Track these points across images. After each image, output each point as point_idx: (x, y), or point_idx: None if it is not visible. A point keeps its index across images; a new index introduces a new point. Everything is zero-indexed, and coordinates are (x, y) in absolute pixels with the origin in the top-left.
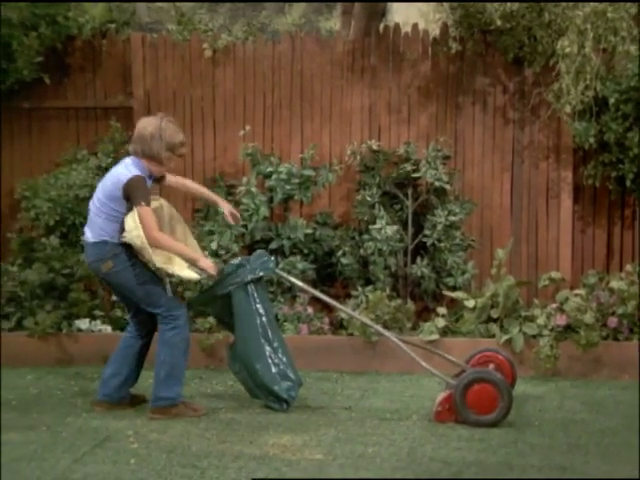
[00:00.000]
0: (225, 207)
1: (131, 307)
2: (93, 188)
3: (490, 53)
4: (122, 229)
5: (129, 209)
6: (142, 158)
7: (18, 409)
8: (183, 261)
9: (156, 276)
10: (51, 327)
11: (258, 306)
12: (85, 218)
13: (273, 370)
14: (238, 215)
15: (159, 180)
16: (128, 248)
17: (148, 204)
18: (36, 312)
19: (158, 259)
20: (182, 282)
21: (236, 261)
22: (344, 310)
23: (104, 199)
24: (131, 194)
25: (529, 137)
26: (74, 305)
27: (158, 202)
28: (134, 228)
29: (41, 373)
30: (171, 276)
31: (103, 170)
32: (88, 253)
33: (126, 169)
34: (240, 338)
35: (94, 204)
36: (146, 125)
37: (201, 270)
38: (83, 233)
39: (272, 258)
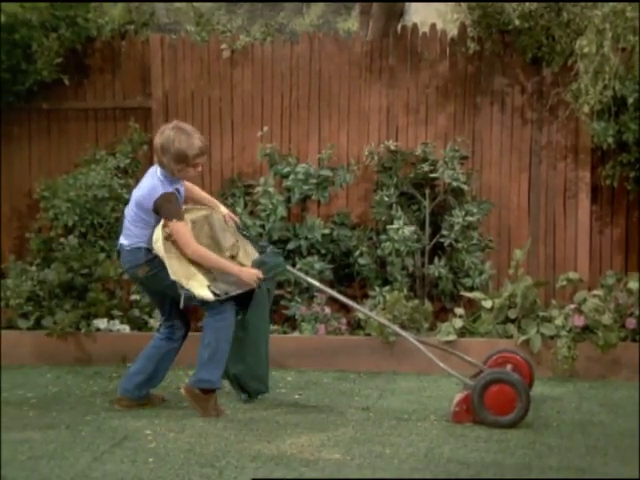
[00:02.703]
0: (223, 211)
1: (165, 311)
2: (111, 188)
3: (508, 53)
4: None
5: (158, 220)
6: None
7: (38, 408)
8: (205, 280)
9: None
10: (70, 326)
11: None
12: (104, 218)
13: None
14: (236, 218)
15: None
16: None
17: (180, 218)
18: (55, 311)
19: (177, 272)
20: None
21: (268, 251)
22: (361, 310)
23: (136, 209)
24: (161, 211)
25: (547, 137)
26: (92, 305)
27: (204, 212)
28: (156, 240)
29: (60, 372)
30: (184, 288)
31: (122, 170)
32: (125, 259)
33: (159, 184)
34: (253, 325)
35: (129, 212)
36: (159, 136)
37: (244, 284)
38: (102, 235)
39: (281, 258)
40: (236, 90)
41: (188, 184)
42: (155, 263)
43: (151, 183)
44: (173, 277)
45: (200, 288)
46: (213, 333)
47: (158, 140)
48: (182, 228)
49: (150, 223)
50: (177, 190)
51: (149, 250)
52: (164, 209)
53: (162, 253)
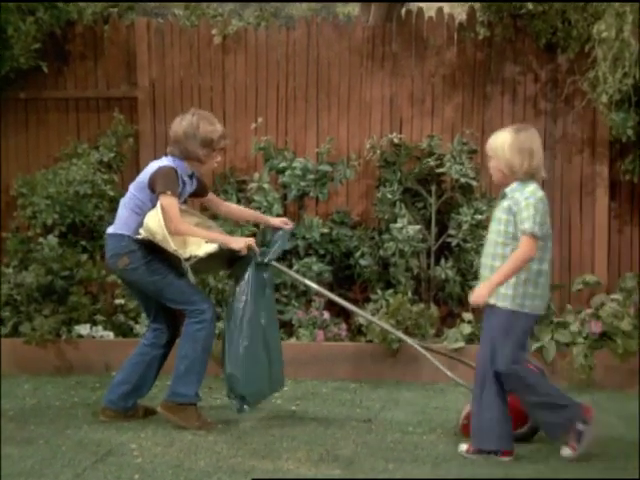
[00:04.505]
0: (275, 221)
1: (150, 311)
2: (94, 184)
3: (520, 39)
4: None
5: (152, 205)
6: (186, 160)
7: (15, 421)
8: (199, 239)
9: (178, 271)
10: (49, 333)
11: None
12: (86, 216)
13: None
14: (288, 221)
15: (200, 194)
16: (146, 246)
17: (174, 194)
18: (33, 317)
19: (175, 244)
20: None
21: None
22: (363, 315)
23: (133, 190)
24: (157, 182)
25: (562, 129)
26: (74, 309)
27: (198, 219)
28: (154, 215)
29: (39, 382)
30: (188, 260)
31: (105, 165)
32: (106, 247)
33: (162, 162)
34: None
35: (124, 197)
36: (179, 123)
37: (236, 250)
38: (84, 234)
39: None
40: (228, 79)
41: (232, 206)
42: (137, 256)
43: (156, 163)
44: (174, 248)
45: (199, 248)
46: (191, 342)
47: (179, 128)
48: (173, 203)
49: (143, 206)
50: (183, 180)
51: (134, 240)
52: (160, 181)
53: (160, 233)
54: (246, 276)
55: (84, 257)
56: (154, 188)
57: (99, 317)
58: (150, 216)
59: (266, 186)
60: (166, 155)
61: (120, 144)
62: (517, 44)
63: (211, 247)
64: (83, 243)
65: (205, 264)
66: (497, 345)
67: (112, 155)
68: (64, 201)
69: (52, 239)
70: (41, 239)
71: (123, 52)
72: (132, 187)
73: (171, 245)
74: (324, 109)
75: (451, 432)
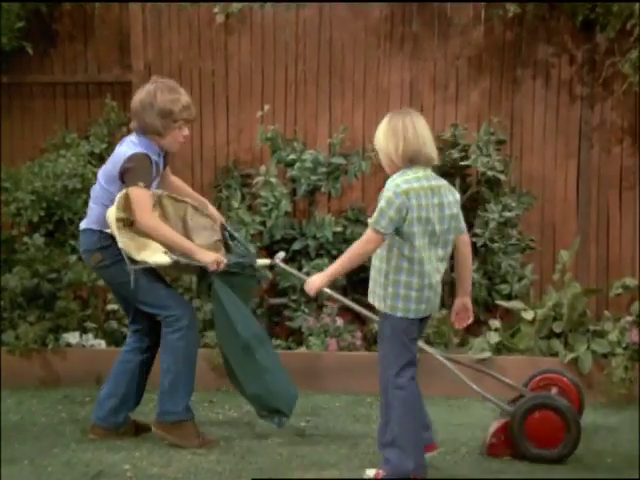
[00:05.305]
0: (211, 211)
1: (129, 311)
2: (84, 178)
3: (554, 16)
4: None
5: None
6: (145, 134)
7: None
8: (161, 247)
9: (155, 272)
10: (35, 342)
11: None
12: (75, 213)
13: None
14: (222, 219)
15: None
16: None
17: (147, 186)
18: (17, 324)
19: (128, 243)
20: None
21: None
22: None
23: (103, 182)
24: (128, 172)
25: (600, 117)
26: (62, 316)
27: (182, 205)
28: (112, 207)
29: (23, 396)
30: (136, 263)
31: (97, 157)
32: (79, 242)
33: (130, 147)
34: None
35: (94, 189)
36: (137, 94)
37: (200, 263)
38: (73, 233)
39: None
40: (232, 62)
41: (174, 179)
42: (110, 253)
43: (124, 149)
44: (121, 246)
45: (154, 255)
46: (172, 355)
47: (137, 97)
48: (144, 194)
49: (115, 199)
50: (155, 162)
51: (106, 235)
52: (131, 172)
53: (110, 221)
54: (215, 292)
55: (73, 258)
56: (124, 180)
57: (89, 324)
58: (110, 208)
59: (273, 180)
60: (129, 133)
61: (112, 133)
62: (551, 22)
63: (163, 259)
64: (72, 243)
65: (173, 269)
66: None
67: (104, 146)
68: (51, 196)
69: (38, 238)
70: (26, 238)
71: (116, 32)
72: (101, 178)
73: (119, 239)
74: (337, 95)
75: (477, 451)
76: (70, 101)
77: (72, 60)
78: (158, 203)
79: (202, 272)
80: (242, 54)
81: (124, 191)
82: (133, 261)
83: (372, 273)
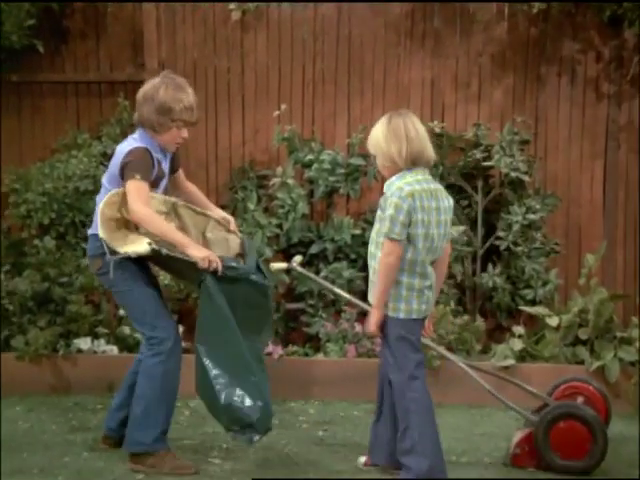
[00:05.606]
0: (216, 215)
1: None
2: (96, 179)
3: (581, 11)
4: None
5: None
6: (143, 128)
7: (5, 448)
8: (147, 238)
9: (151, 287)
10: (45, 347)
11: None
12: (86, 215)
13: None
14: (229, 218)
15: (172, 170)
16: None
17: (146, 180)
18: (27, 329)
19: (111, 235)
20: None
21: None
22: None
23: (106, 183)
24: (126, 167)
25: (628, 115)
26: (73, 321)
27: (172, 200)
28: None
29: (33, 404)
30: (115, 254)
31: (108, 158)
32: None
33: (130, 142)
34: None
35: (99, 194)
36: (145, 85)
37: (190, 257)
38: (85, 236)
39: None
40: (248, 60)
41: (189, 185)
42: (109, 261)
43: (124, 145)
44: (101, 236)
45: (135, 245)
46: (147, 380)
47: (142, 88)
48: (141, 185)
49: None
50: (157, 159)
51: None
52: (128, 165)
53: (100, 212)
54: (204, 288)
55: (84, 262)
56: (123, 175)
57: (101, 329)
58: (102, 201)
59: (290, 182)
60: (133, 130)
61: (125, 134)
62: (577, 17)
63: (143, 248)
64: (83, 246)
65: (166, 267)
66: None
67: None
68: (62, 198)
69: (49, 241)
70: (36, 241)
71: (129, 30)
72: (105, 180)
73: (100, 230)
74: (356, 94)
75: (500, 462)
76: (82, 100)
77: (84, 58)
78: (173, 212)
79: (196, 270)
80: (258, 52)
81: (121, 189)
82: (113, 252)
83: (371, 275)
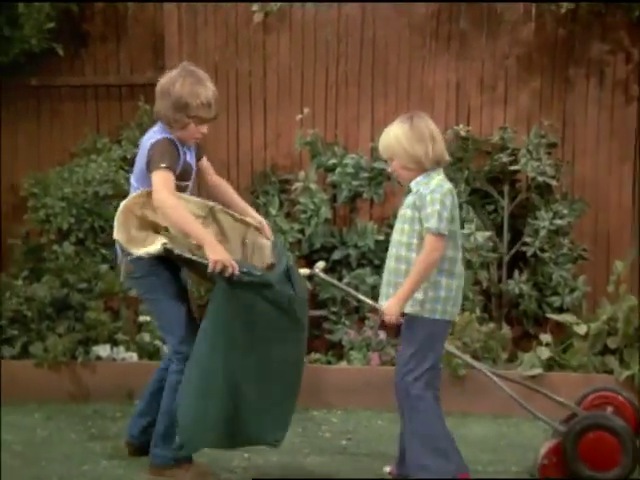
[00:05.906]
0: (251, 219)
1: None
2: (116, 184)
3: (610, 12)
4: None
5: None
6: (160, 120)
7: (23, 456)
8: (163, 238)
9: (180, 299)
10: (64, 354)
11: None
12: (106, 220)
13: None
14: (264, 223)
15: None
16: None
17: (172, 169)
18: (46, 336)
19: (129, 237)
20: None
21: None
22: None
23: (134, 182)
24: (151, 160)
25: None
26: (92, 327)
27: (208, 203)
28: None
29: (51, 411)
30: (128, 255)
31: (129, 162)
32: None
33: (151, 135)
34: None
35: (130, 191)
36: (164, 76)
37: (203, 259)
38: (104, 241)
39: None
40: (270, 62)
41: (217, 179)
42: (141, 264)
43: (143, 141)
44: (115, 237)
45: (149, 246)
46: (171, 397)
47: (161, 80)
48: (166, 176)
49: None
50: (182, 150)
51: None
52: (153, 156)
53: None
54: (211, 296)
55: (104, 267)
56: (149, 168)
57: (121, 336)
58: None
59: (313, 186)
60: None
61: None
62: (606, 18)
63: (154, 248)
64: (103, 251)
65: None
66: (400, 354)
67: (137, 150)
68: (81, 203)
69: (68, 246)
70: (55, 246)
71: (149, 32)
72: (133, 179)
73: (116, 230)
74: (380, 97)
75: (527, 473)
76: (101, 104)
77: (104, 61)
78: (211, 216)
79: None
80: (281, 54)
81: (146, 189)
82: (128, 254)
83: (393, 278)
